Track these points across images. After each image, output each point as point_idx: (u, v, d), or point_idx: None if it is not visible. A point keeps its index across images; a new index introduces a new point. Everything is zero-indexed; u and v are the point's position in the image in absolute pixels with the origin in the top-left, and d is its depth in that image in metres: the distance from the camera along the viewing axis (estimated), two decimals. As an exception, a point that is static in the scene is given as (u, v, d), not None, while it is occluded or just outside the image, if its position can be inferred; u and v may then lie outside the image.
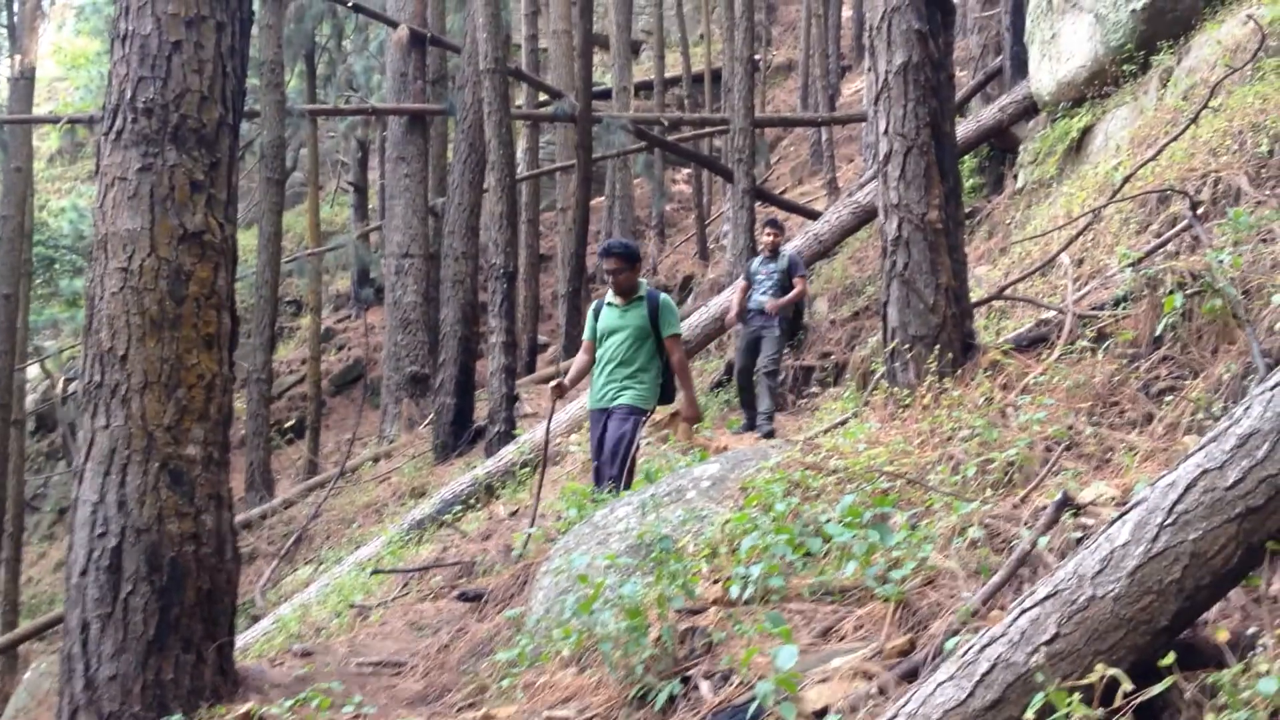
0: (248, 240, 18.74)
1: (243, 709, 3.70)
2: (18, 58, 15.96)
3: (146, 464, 3.97)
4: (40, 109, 21.40)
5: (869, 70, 5.70)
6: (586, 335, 6.74)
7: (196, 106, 4.22)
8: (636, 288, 6.61)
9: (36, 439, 24.56)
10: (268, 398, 15.50)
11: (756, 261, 10.02)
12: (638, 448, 6.38)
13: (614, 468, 6.26)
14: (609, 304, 6.65)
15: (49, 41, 33.26)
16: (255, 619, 9.15)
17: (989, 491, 3.94)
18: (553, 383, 6.58)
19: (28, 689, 13.17)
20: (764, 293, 9.67)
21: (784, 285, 9.70)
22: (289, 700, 3.83)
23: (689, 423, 6.96)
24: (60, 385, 22.85)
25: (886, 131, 5.43)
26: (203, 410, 4.12)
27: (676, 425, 8.36)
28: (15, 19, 16.73)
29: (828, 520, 3.75)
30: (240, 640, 5.45)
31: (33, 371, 22.12)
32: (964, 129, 12.47)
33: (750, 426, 9.64)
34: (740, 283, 10.14)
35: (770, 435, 8.90)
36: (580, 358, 6.83)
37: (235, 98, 4.40)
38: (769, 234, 9.88)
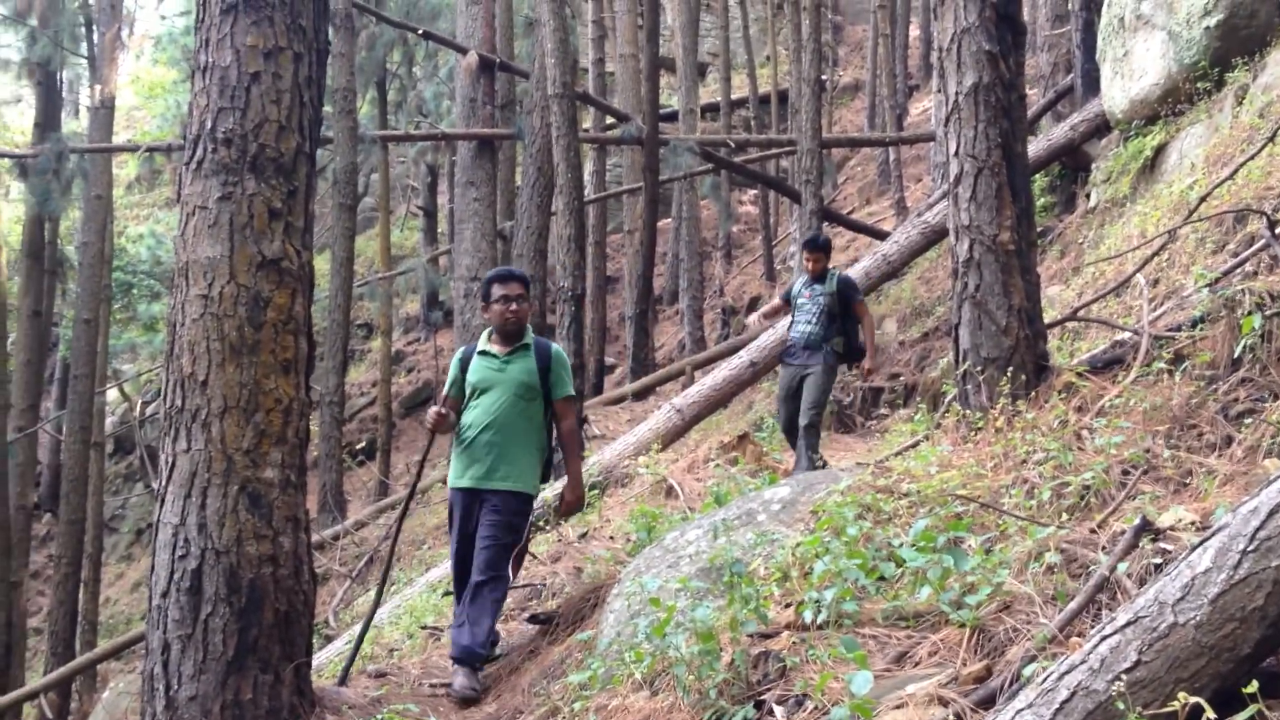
0: (321, 265, 19.02)
1: (320, 729, 3.75)
2: (98, 87, 16.35)
3: (226, 487, 4.05)
4: (119, 137, 21.89)
5: (938, 90, 5.69)
6: (450, 390, 5.52)
7: (275, 136, 4.31)
8: (524, 331, 5.50)
9: (115, 461, 25.07)
10: (340, 420, 15.69)
11: (799, 283, 8.46)
12: (527, 540, 5.43)
13: (485, 577, 5.15)
14: (482, 352, 5.49)
15: (127, 71, 34.07)
16: (329, 639, 9.24)
17: (1065, 516, 3.89)
18: (432, 411, 5.38)
19: (106, 708, 13.41)
20: (809, 321, 8.14)
21: (831, 312, 8.11)
22: (367, 718, 3.87)
23: (569, 508, 5.73)
24: (138, 408, 23.30)
25: (957, 153, 5.40)
26: (280, 434, 4.19)
27: (745, 448, 8.27)
28: (95, 50, 17.15)
29: (901, 544, 3.73)
30: (315, 661, 5.52)
31: (111, 395, 22.58)
32: (1035, 147, 12.35)
33: None
34: (776, 301, 8.82)
35: None
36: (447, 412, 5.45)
37: (312, 126, 4.48)
38: (809, 259, 8.30)
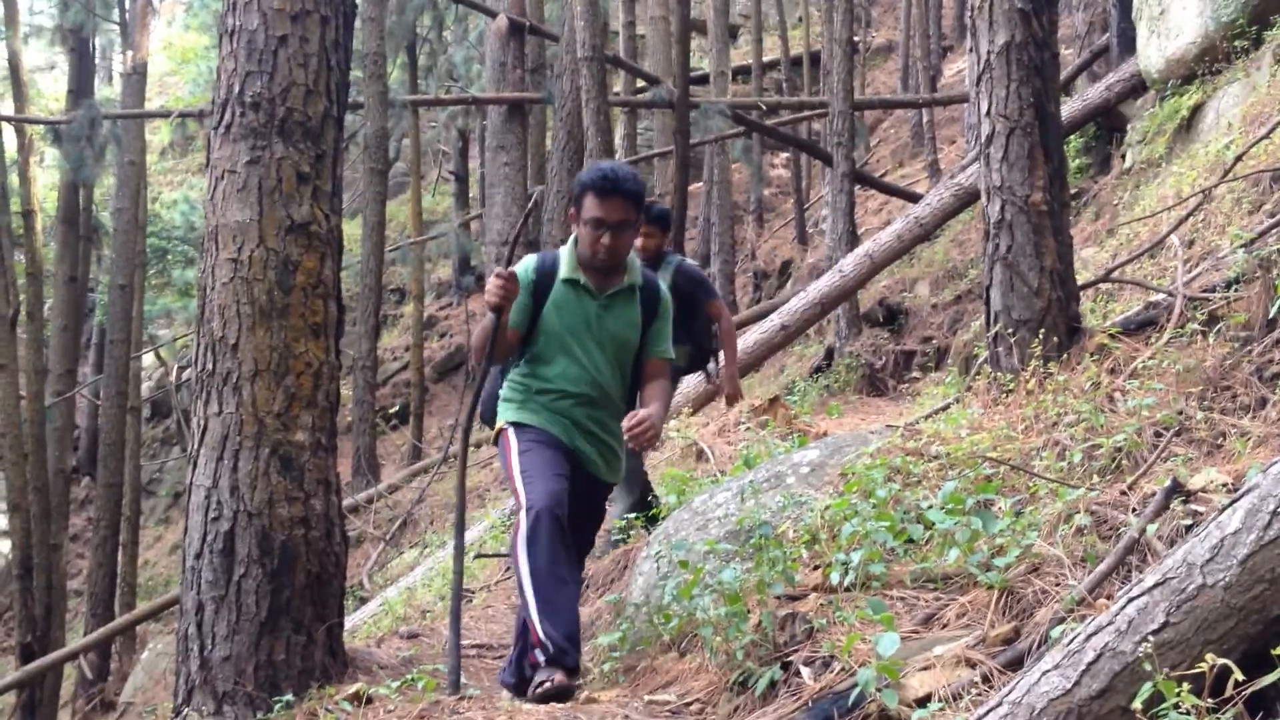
0: (352, 230, 19.11)
1: (351, 689, 3.78)
2: (130, 54, 16.41)
3: (258, 450, 4.08)
4: (151, 104, 21.99)
5: (970, 50, 5.61)
6: (515, 319, 4.00)
7: (302, 100, 4.31)
8: (627, 266, 4.12)
9: (151, 425, 25.33)
10: (373, 384, 15.78)
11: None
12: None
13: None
14: (569, 281, 4.04)
15: (160, 37, 34.16)
16: (363, 601, 9.34)
17: (1096, 478, 3.86)
18: (497, 275, 3.84)
19: (145, 668, 13.63)
20: None
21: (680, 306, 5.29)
22: (396, 681, 3.91)
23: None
24: (174, 373, 23.51)
25: (989, 113, 5.34)
26: (311, 397, 4.22)
27: (775, 411, 8.20)
28: (128, 16, 17.20)
29: (929, 507, 3.72)
30: (349, 622, 5.58)
31: (147, 360, 22.79)
32: (1069, 108, 12.20)
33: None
34: None
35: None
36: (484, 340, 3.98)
37: (340, 90, 4.48)
38: (646, 234, 5.78)
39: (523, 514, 3.80)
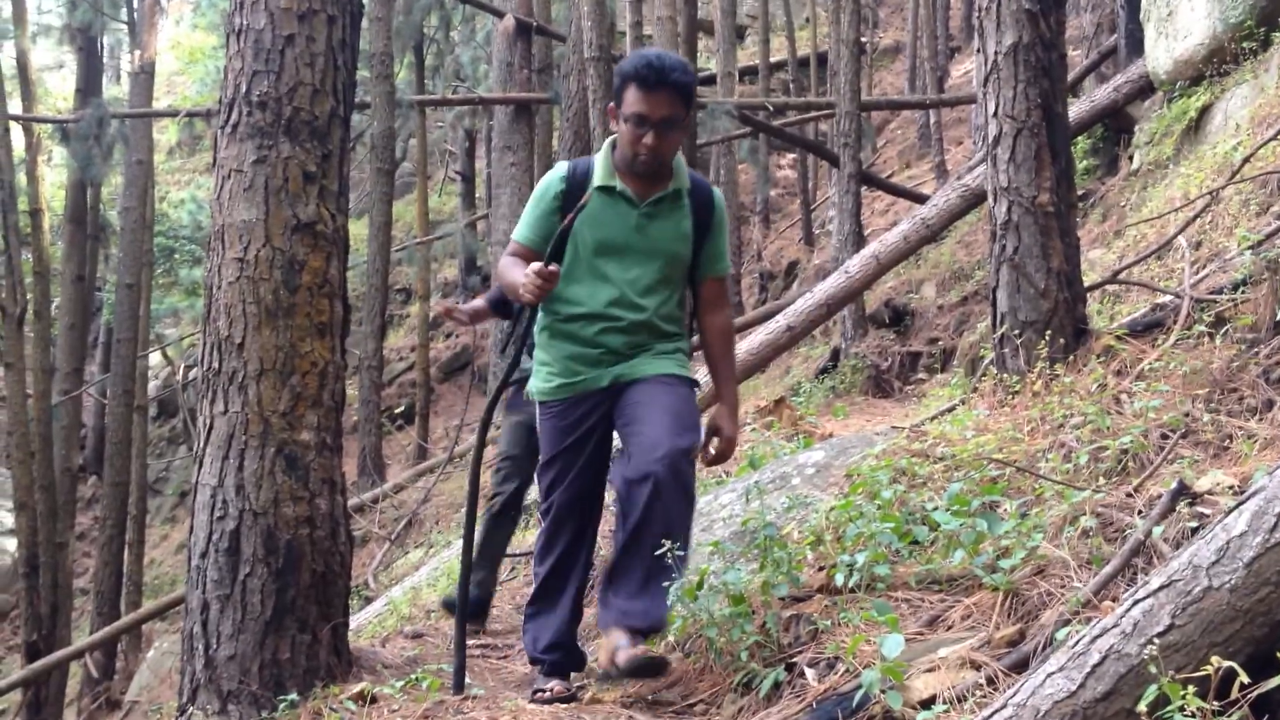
0: (359, 230, 19.12)
1: (356, 688, 3.78)
2: (138, 53, 16.45)
3: (263, 449, 4.08)
4: (159, 103, 22.01)
5: (978, 51, 5.61)
6: (528, 235, 3.65)
7: (309, 99, 4.31)
8: (671, 169, 3.62)
9: (158, 424, 25.37)
10: (378, 384, 15.80)
11: None
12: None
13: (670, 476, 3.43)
14: (605, 189, 3.58)
15: (168, 37, 34.22)
16: (368, 600, 9.34)
17: (1102, 480, 3.86)
18: (535, 267, 3.41)
19: (150, 667, 13.65)
20: None
21: None
22: (400, 681, 3.92)
23: (724, 451, 3.77)
24: (181, 372, 23.54)
25: (996, 114, 5.33)
26: (316, 397, 4.22)
27: (781, 412, 8.13)
28: (136, 15, 17.22)
29: (935, 508, 3.71)
30: (354, 622, 5.58)
31: (154, 359, 22.82)
32: (1077, 109, 12.18)
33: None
34: (491, 296, 5.49)
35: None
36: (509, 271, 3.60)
37: (347, 90, 4.48)
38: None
39: (543, 515, 3.79)
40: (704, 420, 3.73)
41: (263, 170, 4.23)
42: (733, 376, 3.82)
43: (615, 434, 3.72)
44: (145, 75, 16.27)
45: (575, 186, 3.60)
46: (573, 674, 3.88)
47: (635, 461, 3.45)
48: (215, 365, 4.18)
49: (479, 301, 5.56)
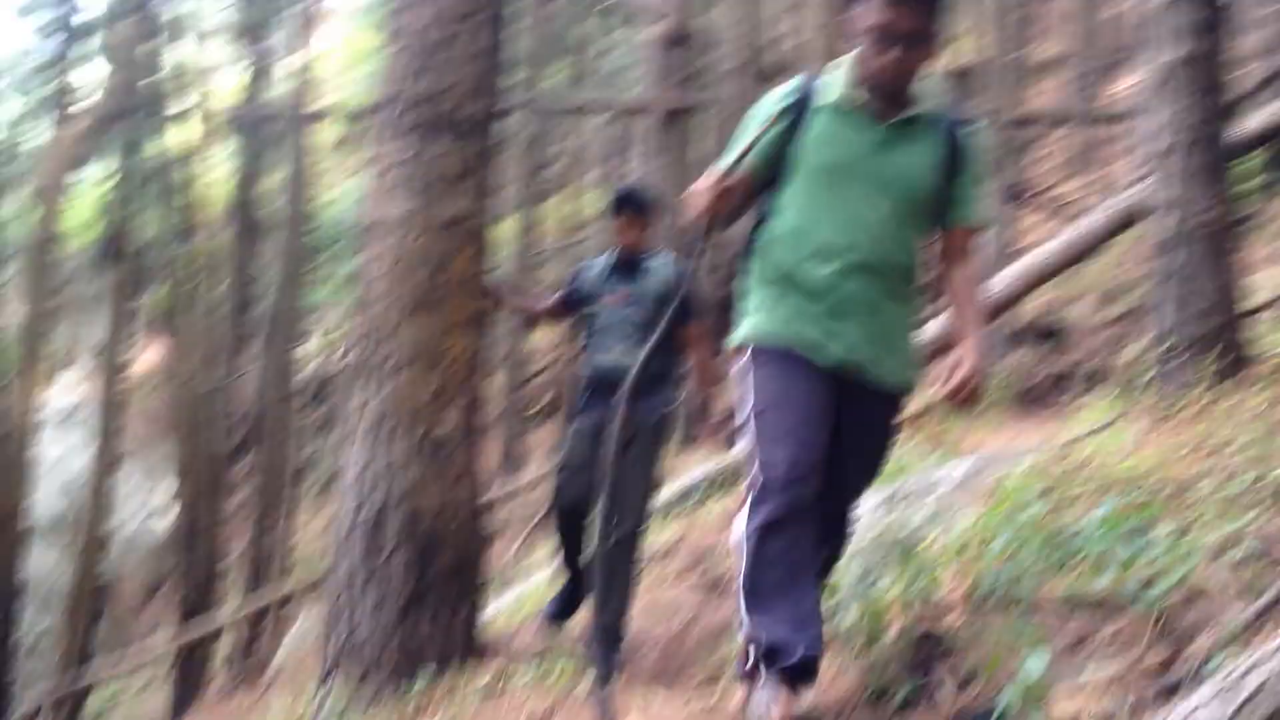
0: (506, 230, 19.43)
1: (489, 671, 3.84)
2: (303, 53, 16.98)
3: (409, 435, 4.18)
4: (324, 102, 22.75)
5: (1143, 65, 5.44)
6: (752, 153, 3.00)
7: (464, 99, 4.40)
8: (917, 92, 3.06)
9: (309, 409, 26.13)
10: (521, 379, 16.03)
11: (599, 267, 4.91)
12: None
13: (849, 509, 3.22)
14: (836, 107, 3.05)
15: (332, 38, 35.28)
16: (504, 589, 9.47)
17: (1263, 507, 3.69)
18: (719, 173, 2.92)
19: (295, 639, 14.05)
20: (625, 338, 4.69)
21: (660, 318, 3.97)
22: (533, 666, 3.96)
23: (968, 387, 3.01)
24: (334, 358, 24.21)
25: (1163, 127, 5.17)
26: (460, 387, 4.31)
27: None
28: (301, 16, 17.80)
29: (1084, 527, 3.60)
30: (490, 608, 5.67)
31: (308, 347, 23.52)
32: (1248, 125, 11.72)
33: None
34: (555, 296, 5.08)
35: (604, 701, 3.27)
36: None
37: (499, 91, 4.56)
38: (624, 224, 4.80)
39: (754, 494, 3.00)
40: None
41: (418, 166, 4.33)
42: (980, 320, 3.13)
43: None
44: (307, 74, 16.78)
45: (803, 101, 3.07)
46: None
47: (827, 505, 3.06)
48: (366, 354, 4.29)
49: (543, 300, 5.22)
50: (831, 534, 3.20)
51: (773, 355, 3.05)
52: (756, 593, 3.00)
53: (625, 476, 4.43)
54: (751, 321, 3.12)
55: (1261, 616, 2.89)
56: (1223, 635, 2.79)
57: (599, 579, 4.31)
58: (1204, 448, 4.25)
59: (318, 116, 17.60)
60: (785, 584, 2.97)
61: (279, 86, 19.63)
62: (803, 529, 2.98)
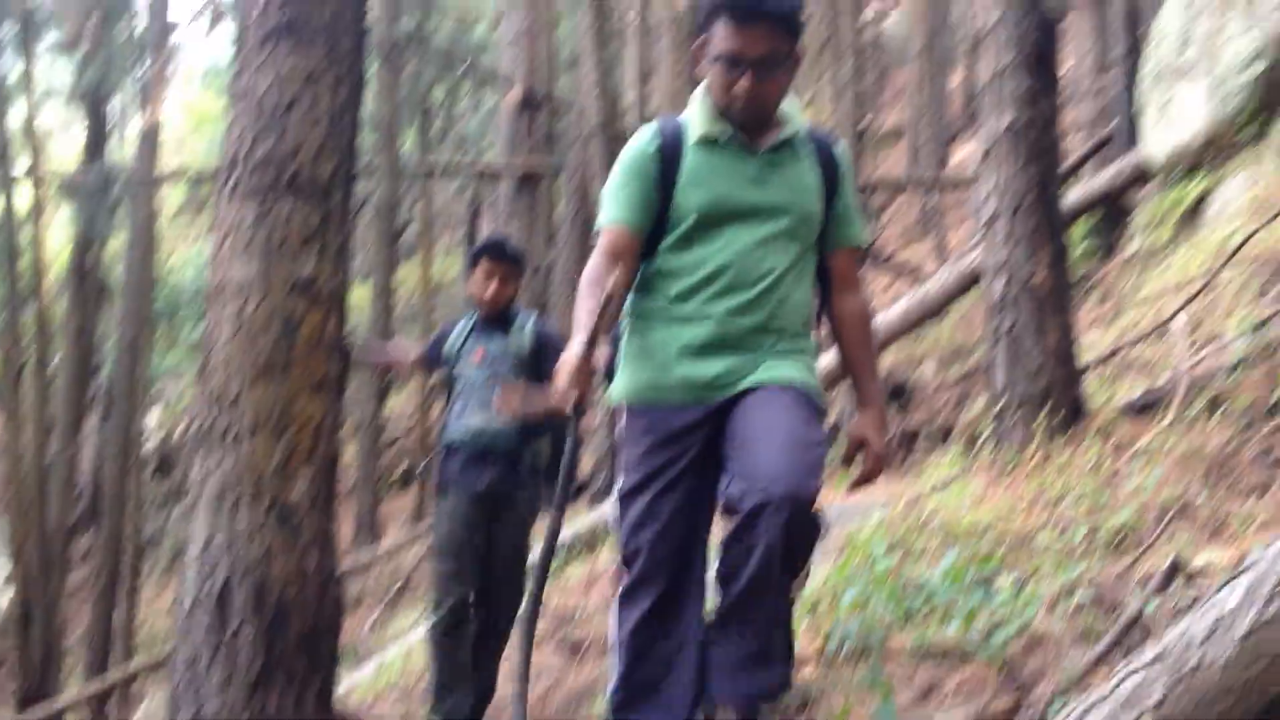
0: (362, 294, 19.21)
1: (341, 748, 3.74)
2: (145, 115, 16.60)
3: (255, 504, 4.06)
4: (167, 165, 22.24)
5: (978, 132, 5.69)
6: (625, 215, 2.86)
7: (311, 159, 4.35)
8: (781, 115, 2.92)
9: (155, 481, 25.26)
10: (377, 446, 15.78)
11: (460, 328, 4.81)
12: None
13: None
14: (707, 141, 2.88)
15: (175, 101, 34.61)
16: (361, 661, 9.26)
17: (1098, 556, 3.84)
18: (577, 355, 2.62)
19: (139, 723, 13.46)
20: (486, 401, 4.51)
21: (525, 380, 4.50)
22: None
23: (874, 466, 2.97)
24: (178, 430, 23.51)
25: (994, 191, 5.40)
26: (310, 454, 4.21)
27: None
28: (144, 78, 17.43)
29: (930, 579, 3.70)
30: (345, 682, 5.53)
31: (153, 416, 22.80)
32: (1076, 193, 12.30)
33: None
34: (419, 350, 5.10)
35: None
36: (609, 268, 2.79)
37: (349, 152, 4.52)
38: (490, 271, 4.73)
39: (624, 570, 2.86)
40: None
41: (262, 228, 4.25)
42: (875, 373, 3.00)
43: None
44: (151, 138, 16.41)
45: (670, 146, 2.87)
46: None
47: (747, 498, 2.62)
48: (210, 420, 4.17)
49: (411, 350, 5.05)
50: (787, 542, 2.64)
51: (645, 417, 2.87)
52: (628, 688, 2.87)
53: (509, 561, 4.40)
54: (626, 376, 2.95)
55: (1099, 662, 3.00)
56: (1062, 681, 2.89)
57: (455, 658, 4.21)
58: (1040, 501, 4.42)
59: (162, 180, 17.22)
60: (658, 680, 2.82)
61: (121, 149, 19.16)
62: (675, 620, 2.82)
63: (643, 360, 2.90)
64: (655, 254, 2.91)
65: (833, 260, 3.01)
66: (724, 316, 2.81)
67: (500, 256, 4.74)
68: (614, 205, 2.89)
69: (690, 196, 2.84)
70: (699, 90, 2.95)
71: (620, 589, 2.88)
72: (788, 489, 2.59)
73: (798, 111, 2.95)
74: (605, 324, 2.68)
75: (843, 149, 3.01)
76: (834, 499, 5.96)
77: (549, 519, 2.88)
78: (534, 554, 4.26)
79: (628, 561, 2.86)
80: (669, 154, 2.87)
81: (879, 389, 2.98)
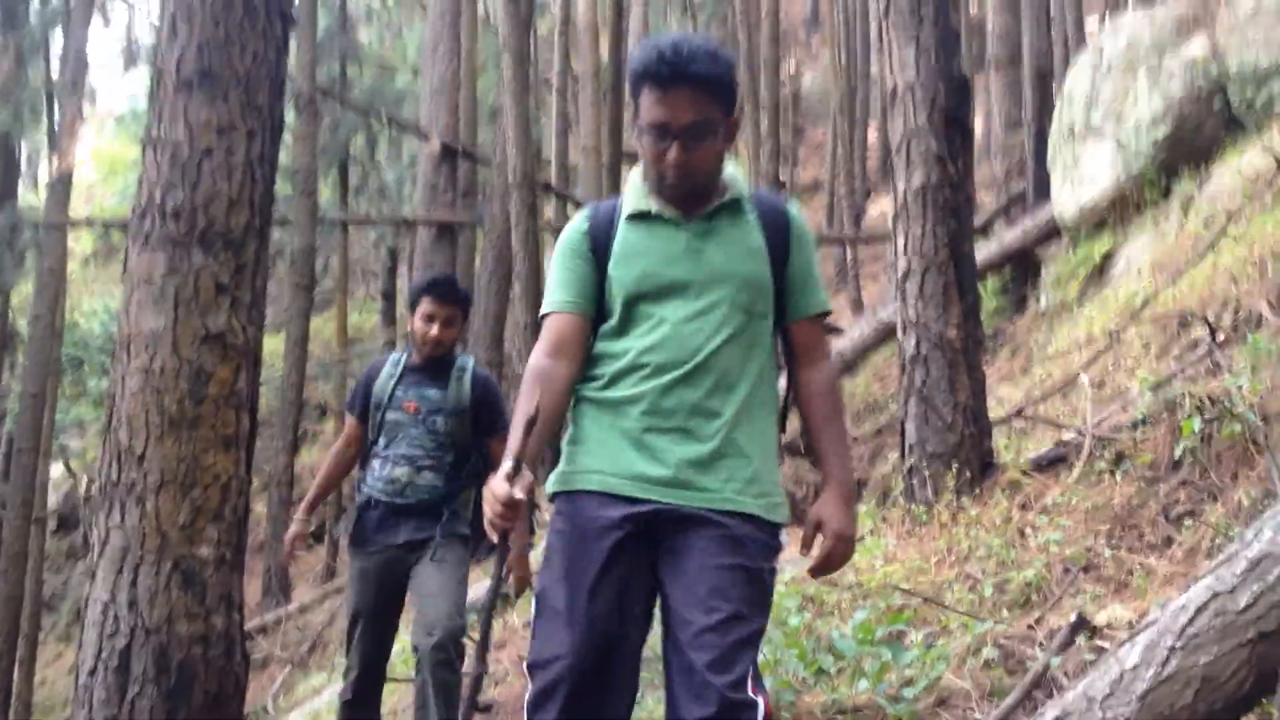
0: (276, 345, 18.97)
1: (242, 816, 3.65)
2: (56, 162, 16.34)
3: (159, 563, 3.97)
4: (77, 213, 21.85)
5: (891, 191, 5.79)
6: (565, 298, 2.68)
7: (224, 211, 4.30)
8: (722, 180, 2.72)
9: (57, 538, 24.58)
10: (288, 502, 15.50)
11: (388, 371, 4.45)
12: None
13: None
14: (638, 215, 2.70)
15: (88, 147, 34.10)
16: (269, 723, 9.04)
17: (1005, 611, 3.89)
18: (505, 479, 2.41)
19: (33, 792, 12.99)
20: (411, 457, 4.29)
21: (460, 440, 4.33)
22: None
23: (838, 551, 2.65)
24: (84, 485, 22.94)
25: (905, 250, 5.49)
26: (218, 510, 4.13)
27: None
28: (56, 124, 17.17)
29: (841, 636, 3.71)
30: (246, 746, 5.39)
31: (56, 471, 22.24)
32: (987, 250, 12.56)
33: None
34: (347, 421, 4.62)
35: None
36: (547, 367, 2.62)
37: (264, 203, 4.48)
38: (433, 313, 4.33)
39: (529, 673, 2.55)
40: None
41: (173, 280, 4.19)
42: (843, 450, 2.76)
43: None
44: (62, 184, 16.14)
45: (601, 223, 2.74)
46: None
47: (680, 697, 2.42)
48: (114, 476, 4.08)
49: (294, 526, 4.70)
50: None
51: (570, 510, 2.60)
52: None
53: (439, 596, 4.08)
54: (561, 465, 2.70)
55: (1006, 718, 3.02)
56: (969, 739, 2.91)
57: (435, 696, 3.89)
58: (950, 557, 4.47)
59: (72, 226, 16.92)
60: None
61: (31, 196, 18.80)
62: None
63: (575, 448, 2.69)
64: (600, 340, 2.70)
65: (795, 331, 2.76)
66: (655, 396, 2.57)
67: (444, 298, 4.36)
68: (554, 288, 2.73)
69: (619, 275, 2.67)
70: (638, 166, 2.79)
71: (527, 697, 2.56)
72: (717, 690, 2.34)
73: (739, 177, 2.76)
74: (533, 446, 2.49)
75: (795, 212, 2.79)
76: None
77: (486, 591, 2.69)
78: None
79: (531, 671, 2.55)
80: (599, 233, 2.73)
81: (846, 466, 2.74)
